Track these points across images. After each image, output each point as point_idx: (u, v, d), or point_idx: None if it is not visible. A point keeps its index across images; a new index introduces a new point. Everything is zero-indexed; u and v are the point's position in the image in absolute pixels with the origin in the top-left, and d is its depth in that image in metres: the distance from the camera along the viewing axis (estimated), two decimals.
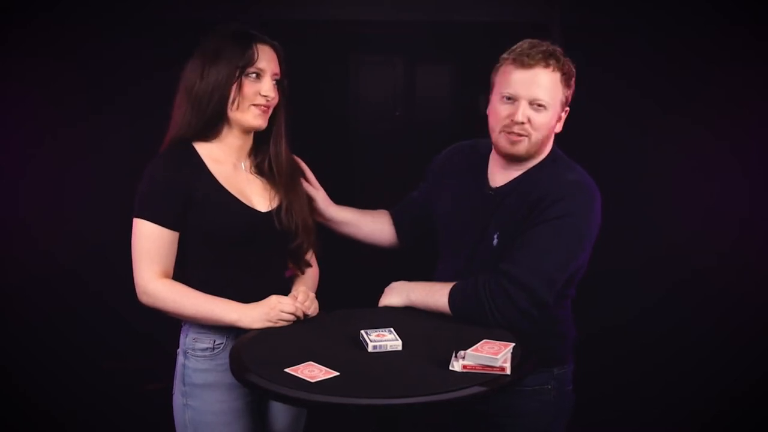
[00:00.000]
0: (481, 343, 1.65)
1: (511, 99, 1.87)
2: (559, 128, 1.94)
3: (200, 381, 1.89)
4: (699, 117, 3.63)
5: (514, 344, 1.65)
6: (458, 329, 1.78)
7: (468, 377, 1.53)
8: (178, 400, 1.93)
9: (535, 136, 1.88)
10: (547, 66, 1.85)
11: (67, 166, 3.88)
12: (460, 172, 2.05)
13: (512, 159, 1.93)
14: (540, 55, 1.85)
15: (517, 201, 1.89)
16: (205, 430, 1.90)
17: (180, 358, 1.94)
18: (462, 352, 1.58)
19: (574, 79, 1.91)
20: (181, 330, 1.95)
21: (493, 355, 1.58)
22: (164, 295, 1.83)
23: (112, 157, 3.87)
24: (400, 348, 1.68)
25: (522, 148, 1.89)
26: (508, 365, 1.56)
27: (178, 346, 1.97)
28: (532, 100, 1.85)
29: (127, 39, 3.91)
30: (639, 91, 3.84)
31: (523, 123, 1.86)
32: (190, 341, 1.91)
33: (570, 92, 1.91)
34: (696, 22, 3.65)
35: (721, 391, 3.38)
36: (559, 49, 1.89)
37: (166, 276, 1.85)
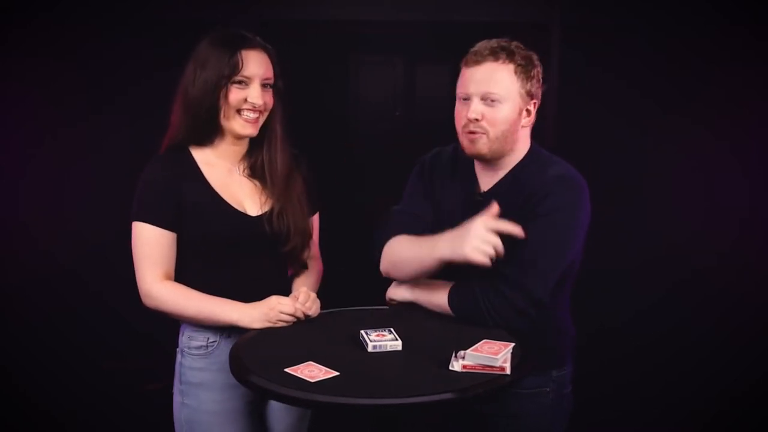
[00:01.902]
0: (481, 343, 1.65)
1: (467, 99, 1.86)
2: (527, 123, 1.89)
3: (195, 380, 1.90)
4: (699, 117, 3.63)
5: (514, 344, 1.65)
6: (458, 329, 1.78)
7: (468, 377, 1.54)
8: (176, 398, 1.95)
9: (494, 132, 1.85)
10: (496, 59, 1.84)
11: (67, 166, 3.88)
12: (445, 179, 2.01)
13: (482, 160, 1.91)
14: (488, 51, 1.84)
15: (506, 202, 1.86)
16: (199, 429, 1.90)
17: (177, 357, 1.96)
18: (462, 352, 1.59)
19: (537, 70, 1.87)
20: (179, 329, 1.96)
21: (492, 355, 1.58)
22: (167, 297, 1.84)
23: (112, 157, 3.87)
24: (399, 348, 1.68)
25: (482, 146, 1.87)
26: (507, 365, 1.57)
27: (177, 345, 1.98)
28: (483, 95, 1.84)
29: (127, 39, 3.91)
30: (639, 91, 3.84)
31: (477, 120, 1.84)
32: (186, 339, 1.92)
33: (532, 84, 1.86)
34: (696, 22, 3.65)
35: (721, 391, 3.38)
36: (515, 43, 1.87)
37: (168, 278, 1.86)
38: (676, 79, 3.76)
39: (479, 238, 1.70)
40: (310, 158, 2.10)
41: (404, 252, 1.90)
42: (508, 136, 1.87)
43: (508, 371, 1.56)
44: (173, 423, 1.98)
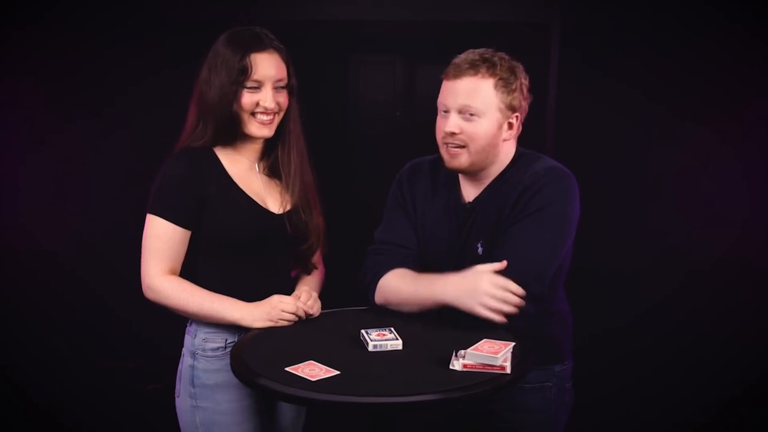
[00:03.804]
0: (481, 342, 1.65)
1: (446, 112, 1.86)
2: (509, 135, 1.88)
3: (211, 382, 1.89)
4: (699, 117, 3.62)
5: (514, 343, 1.65)
6: (458, 328, 1.78)
7: (468, 376, 1.54)
8: (185, 402, 1.93)
9: (474, 146, 1.84)
10: (475, 73, 1.83)
11: (67, 167, 3.88)
12: (427, 191, 2.01)
13: (463, 173, 1.91)
14: (467, 64, 1.83)
15: (493, 206, 1.88)
16: (218, 430, 1.90)
17: (187, 360, 1.93)
18: (462, 351, 1.59)
19: (519, 82, 1.85)
20: (186, 331, 1.95)
21: (493, 354, 1.58)
22: (168, 292, 1.84)
23: (112, 157, 3.88)
24: (400, 347, 1.68)
25: (463, 160, 1.87)
26: (508, 364, 1.57)
27: (181, 347, 1.97)
28: (461, 109, 1.83)
29: (127, 39, 3.91)
30: (639, 91, 3.84)
31: (455, 133, 1.84)
32: (199, 342, 1.90)
33: (514, 97, 1.84)
34: (696, 22, 3.65)
35: (721, 391, 3.38)
36: (499, 55, 1.85)
37: (173, 273, 1.86)
38: (676, 79, 3.76)
39: (488, 295, 1.70)
40: (310, 158, 2.09)
41: (402, 290, 1.88)
42: (489, 150, 1.87)
43: (508, 370, 1.56)
44: (174, 423, 1.97)
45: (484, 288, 1.71)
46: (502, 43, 1.94)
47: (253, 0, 4.11)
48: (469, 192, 1.95)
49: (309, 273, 2.04)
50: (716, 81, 3.59)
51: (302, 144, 1.99)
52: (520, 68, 1.88)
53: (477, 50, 1.87)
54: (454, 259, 1.92)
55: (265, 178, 1.97)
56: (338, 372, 1.55)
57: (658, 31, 3.82)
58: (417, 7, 4.33)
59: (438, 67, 1.98)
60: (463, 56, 1.87)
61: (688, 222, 3.67)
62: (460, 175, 1.96)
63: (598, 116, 3.89)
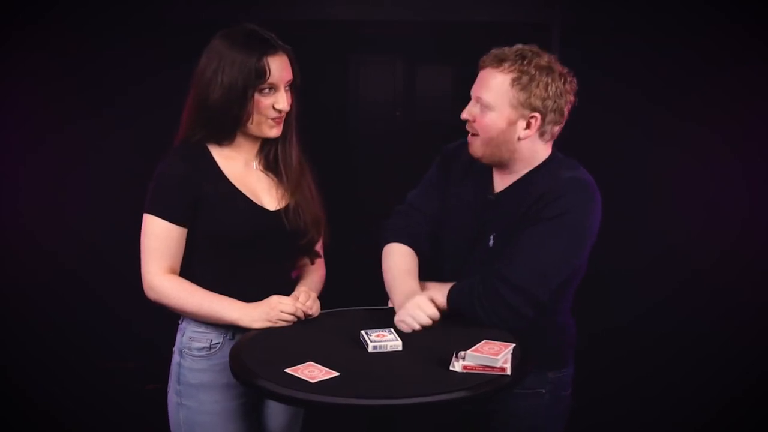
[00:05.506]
0: (481, 343, 1.65)
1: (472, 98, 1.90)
2: (525, 135, 1.85)
3: (196, 381, 1.90)
4: (699, 117, 3.63)
5: (514, 345, 1.65)
6: (459, 329, 1.78)
7: (468, 378, 1.54)
8: (172, 399, 1.94)
9: (483, 137, 1.86)
10: (497, 66, 1.83)
11: (67, 167, 3.88)
12: (461, 174, 2.03)
13: (483, 162, 1.93)
14: (493, 56, 1.84)
15: (514, 203, 1.88)
16: (200, 430, 1.90)
17: (175, 357, 1.94)
18: (462, 353, 1.59)
19: (546, 82, 1.81)
20: (178, 328, 1.96)
21: (493, 355, 1.58)
22: (169, 291, 1.84)
23: (112, 157, 3.88)
24: (400, 348, 1.68)
25: (475, 148, 1.89)
26: (508, 366, 1.57)
27: (173, 345, 1.97)
28: (477, 98, 1.87)
29: (127, 39, 3.91)
30: (639, 91, 3.84)
31: (468, 120, 1.88)
32: (186, 340, 1.91)
33: (534, 96, 1.81)
34: (696, 22, 3.65)
35: (721, 391, 3.38)
36: (539, 52, 1.84)
37: (173, 272, 1.86)
38: (676, 79, 3.76)
39: (407, 313, 1.81)
40: (310, 158, 2.10)
41: (387, 273, 1.99)
42: (501, 144, 1.86)
43: (508, 372, 1.56)
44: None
45: (408, 307, 1.82)
46: (502, 44, 1.93)
47: (253, 0, 4.11)
48: (499, 183, 1.95)
49: (312, 263, 2.04)
50: (716, 81, 3.59)
51: (299, 139, 2.00)
52: (557, 72, 1.84)
53: (517, 45, 1.86)
54: (467, 246, 1.94)
55: (261, 174, 1.96)
56: (338, 373, 1.55)
57: (658, 31, 3.81)
58: (417, 7, 4.33)
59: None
60: (498, 48, 1.87)
61: (688, 222, 3.67)
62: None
63: (598, 116, 3.88)
